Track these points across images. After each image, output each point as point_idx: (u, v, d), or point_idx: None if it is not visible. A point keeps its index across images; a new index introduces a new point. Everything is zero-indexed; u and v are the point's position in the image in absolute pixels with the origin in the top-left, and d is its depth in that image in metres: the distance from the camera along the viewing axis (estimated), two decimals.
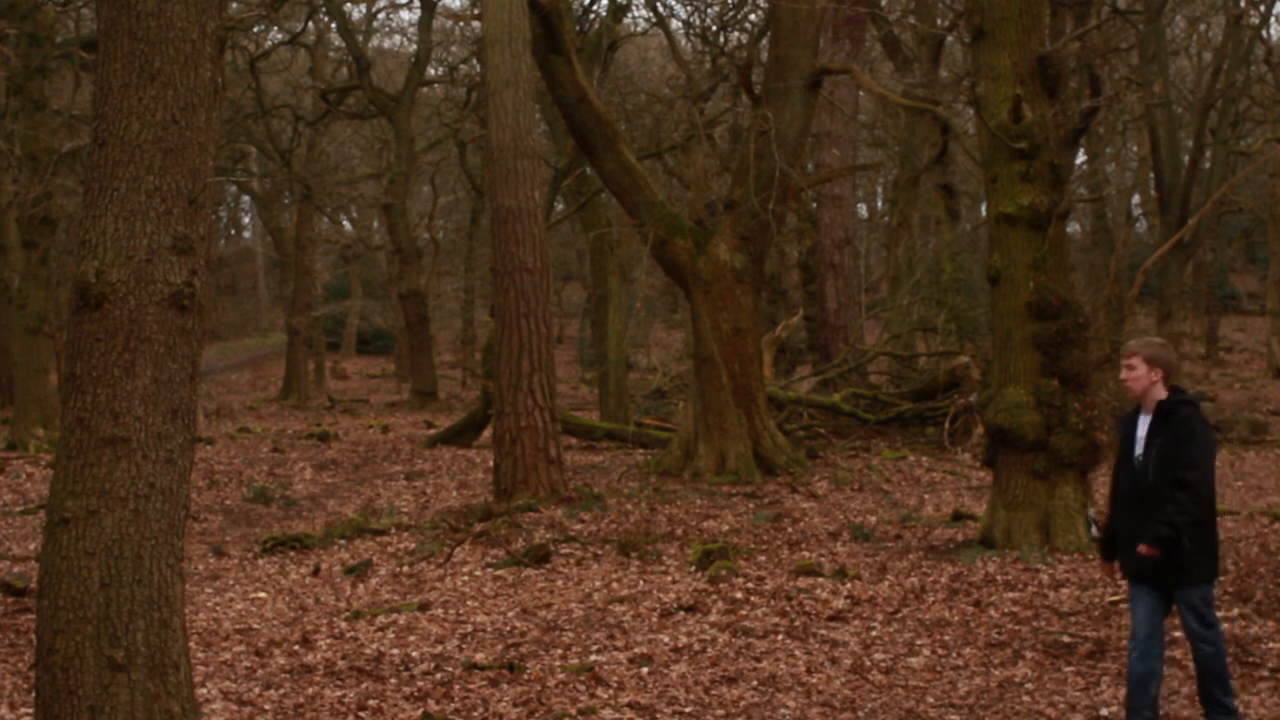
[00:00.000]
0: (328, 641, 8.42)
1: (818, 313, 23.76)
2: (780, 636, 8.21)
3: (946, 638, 8.07)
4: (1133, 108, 27.83)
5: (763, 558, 10.56)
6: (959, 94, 20.29)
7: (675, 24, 33.98)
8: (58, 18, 22.66)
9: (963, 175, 26.74)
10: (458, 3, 34.72)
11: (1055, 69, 10.69)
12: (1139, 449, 6.06)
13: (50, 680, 5.04)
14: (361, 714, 6.85)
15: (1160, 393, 6.08)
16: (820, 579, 9.74)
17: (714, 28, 27.69)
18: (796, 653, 7.85)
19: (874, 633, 8.27)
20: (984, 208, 16.95)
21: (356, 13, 35.28)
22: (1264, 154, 28.17)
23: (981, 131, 10.81)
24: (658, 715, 6.76)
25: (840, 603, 9.02)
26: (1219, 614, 8.24)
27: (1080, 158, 27.25)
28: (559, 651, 7.96)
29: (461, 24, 30.11)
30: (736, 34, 27.98)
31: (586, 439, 19.63)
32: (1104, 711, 6.59)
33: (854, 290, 23.94)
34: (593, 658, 7.79)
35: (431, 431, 22.63)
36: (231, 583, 10.59)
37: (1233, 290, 44.44)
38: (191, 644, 7.88)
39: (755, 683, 7.26)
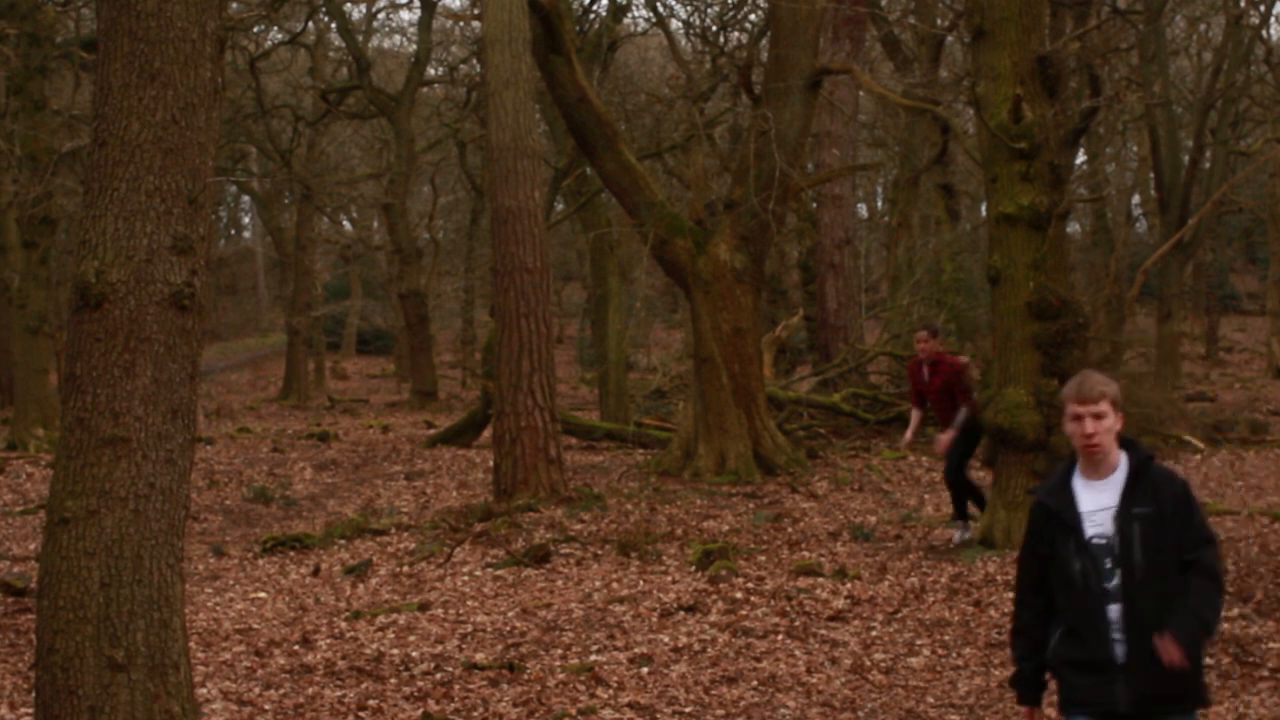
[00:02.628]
0: (328, 641, 8.42)
1: (818, 313, 23.75)
2: (780, 636, 8.21)
3: (946, 638, 8.07)
4: (1133, 108, 27.82)
5: (763, 558, 10.56)
6: (959, 94, 20.28)
7: (675, 24, 33.99)
8: (58, 18, 22.65)
9: (963, 175, 26.72)
10: (458, 3, 34.72)
11: (1055, 69, 10.69)
12: (1097, 527, 4.28)
13: (50, 680, 5.04)
14: (361, 714, 6.85)
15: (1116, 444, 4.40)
16: (820, 579, 9.74)
17: (714, 28, 27.69)
18: (796, 653, 7.85)
19: (874, 633, 8.27)
20: (984, 208, 16.96)
21: (356, 13, 35.28)
22: (1264, 154, 28.16)
23: (981, 131, 10.81)
24: (658, 715, 6.76)
25: (840, 603, 9.02)
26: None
27: (1080, 158, 27.24)
28: (559, 651, 7.96)
29: (461, 24, 30.12)
30: (736, 34, 27.99)
31: (586, 439, 19.62)
32: None
33: (854, 290, 23.94)
34: (593, 658, 7.79)
35: (431, 431, 22.63)
36: (231, 583, 10.59)
37: (1233, 290, 44.43)
38: (191, 644, 7.88)
39: (755, 683, 7.26)
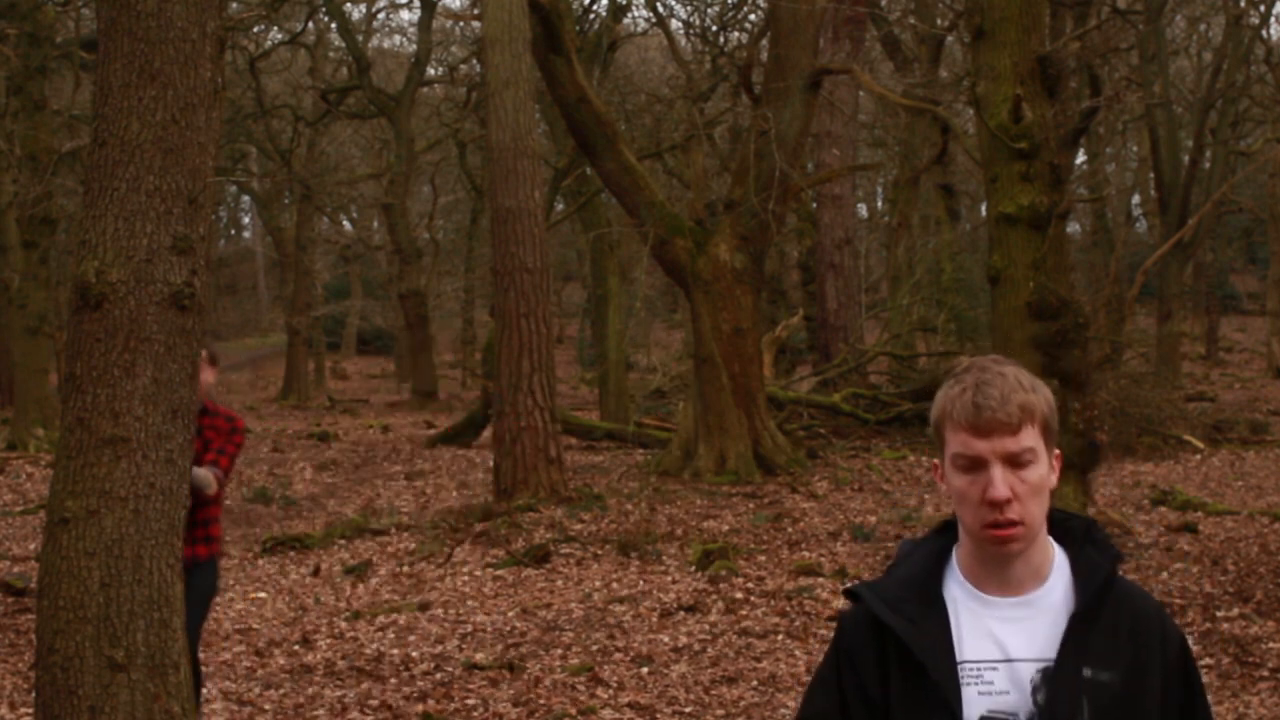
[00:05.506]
0: (328, 641, 8.42)
1: (818, 313, 23.76)
2: (780, 636, 8.21)
3: None
4: (1133, 108, 27.83)
5: (763, 558, 10.56)
6: (959, 94, 20.29)
7: (675, 24, 33.95)
8: (58, 18, 22.65)
9: (963, 175, 26.73)
10: (458, 3, 34.71)
11: (1055, 69, 10.69)
12: (995, 697, 2.11)
13: (50, 680, 5.04)
14: (361, 714, 6.85)
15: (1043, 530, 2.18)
16: (820, 579, 9.73)
17: (714, 28, 27.69)
18: (796, 653, 7.85)
19: None
20: (984, 208, 16.96)
21: (356, 13, 35.28)
22: (1264, 154, 28.17)
23: (981, 131, 10.81)
24: (658, 715, 6.75)
25: (840, 603, 9.02)
26: (1219, 614, 8.26)
27: (1080, 158, 27.25)
28: (559, 651, 7.96)
29: (461, 24, 30.11)
30: (736, 34, 27.98)
31: (586, 439, 19.62)
32: None
33: (854, 290, 23.94)
34: (593, 658, 7.79)
35: (431, 431, 22.63)
36: (231, 583, 10.58)
37: (1233, 290, 44.41)
38: None
39: (755, 683, 7.26)
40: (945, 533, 2.26)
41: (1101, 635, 2.13)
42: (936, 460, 2.22)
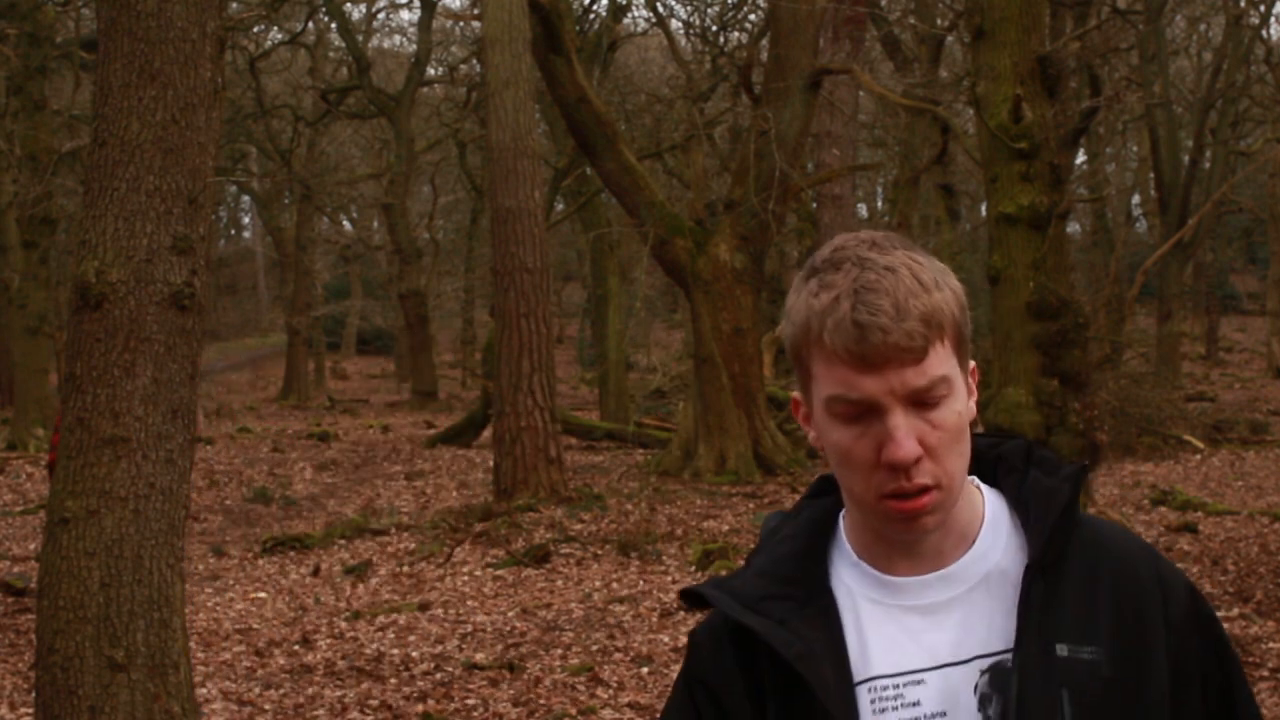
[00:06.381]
0: (328, 641, 8.42)
1: None
2: None
3: None
4: (1133, 108, 27.82)
5: None
6: (959, 94, 20.29)
7: (675, 24, 33.95)
8: (58, 18, 22.65)
9: (963, 175, 26.73)
10: (458, 3, 34.71)
11: (1055, 69, 10.69)
12: (925, 706, 1.43)
13: (50, 680, 5.04)
14: (361, 714, 6.85)
15: (966, 479, 1.46)
16: None
17: (714, 28, 27.69)
18: None
19: None
20: (984, 208, 16.97)
21: (356, 13, 35.29)
22: (1264, 154, 28.17)
23: (981, 131, 10.81)
24: (658, 715, 6.76)
25: None
26: (1219, 613, 8.26)
27: (1080, 158, 27.26)
28: (559, 651, 7.96)
29: (461, 24, 30.11)
30: (736, 34, 27.98)
31: (586, 439, 19.63)
32: None
33: None
34: (593, 658, 7.79)
35: (431, 431, 22.63)
36: (231, 583, 10.59)
37: (1233, 290, 44.40)
38: (191, 644, 7.88)
39: None
40: (824, 494, 1.58)
41: (1074, 592, 1.44)
42: (797, 395, 1.52)
